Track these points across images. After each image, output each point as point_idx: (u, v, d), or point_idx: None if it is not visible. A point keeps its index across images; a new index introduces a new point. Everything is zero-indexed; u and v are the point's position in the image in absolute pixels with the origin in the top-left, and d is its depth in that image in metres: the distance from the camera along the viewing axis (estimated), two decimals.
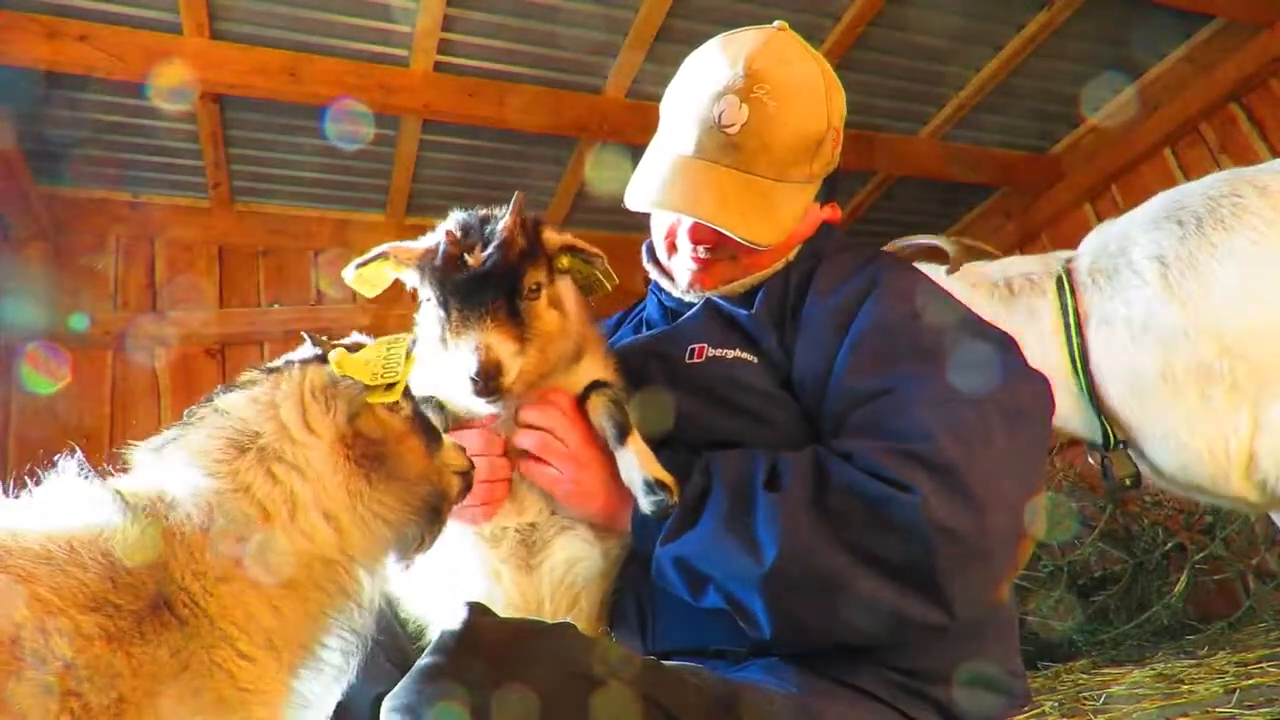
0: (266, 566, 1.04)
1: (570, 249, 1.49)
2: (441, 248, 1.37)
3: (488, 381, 1.28)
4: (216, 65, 3.42)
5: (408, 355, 1.21)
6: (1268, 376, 2.30)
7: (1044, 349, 2.63)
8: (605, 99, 4.06)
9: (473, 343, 1.29)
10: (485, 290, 1.32)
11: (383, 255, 1.45)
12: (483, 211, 1.45)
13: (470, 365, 1.27)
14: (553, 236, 1.48)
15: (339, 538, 1.12)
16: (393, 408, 1.23)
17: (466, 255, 1.33)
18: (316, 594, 1.10)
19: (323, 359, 1.21)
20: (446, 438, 1.32)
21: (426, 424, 1.29)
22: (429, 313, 1.42)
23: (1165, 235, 2.53)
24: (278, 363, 1.24)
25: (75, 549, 0.94)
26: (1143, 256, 2.54)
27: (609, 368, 1.53)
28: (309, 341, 1.26)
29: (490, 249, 1.33)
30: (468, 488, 1.32)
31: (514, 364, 1.31)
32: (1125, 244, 2.64)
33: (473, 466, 1.33)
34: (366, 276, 1.48)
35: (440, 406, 1.47)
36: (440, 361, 1.38)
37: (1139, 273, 2.54)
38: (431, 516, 1.26)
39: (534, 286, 1.38)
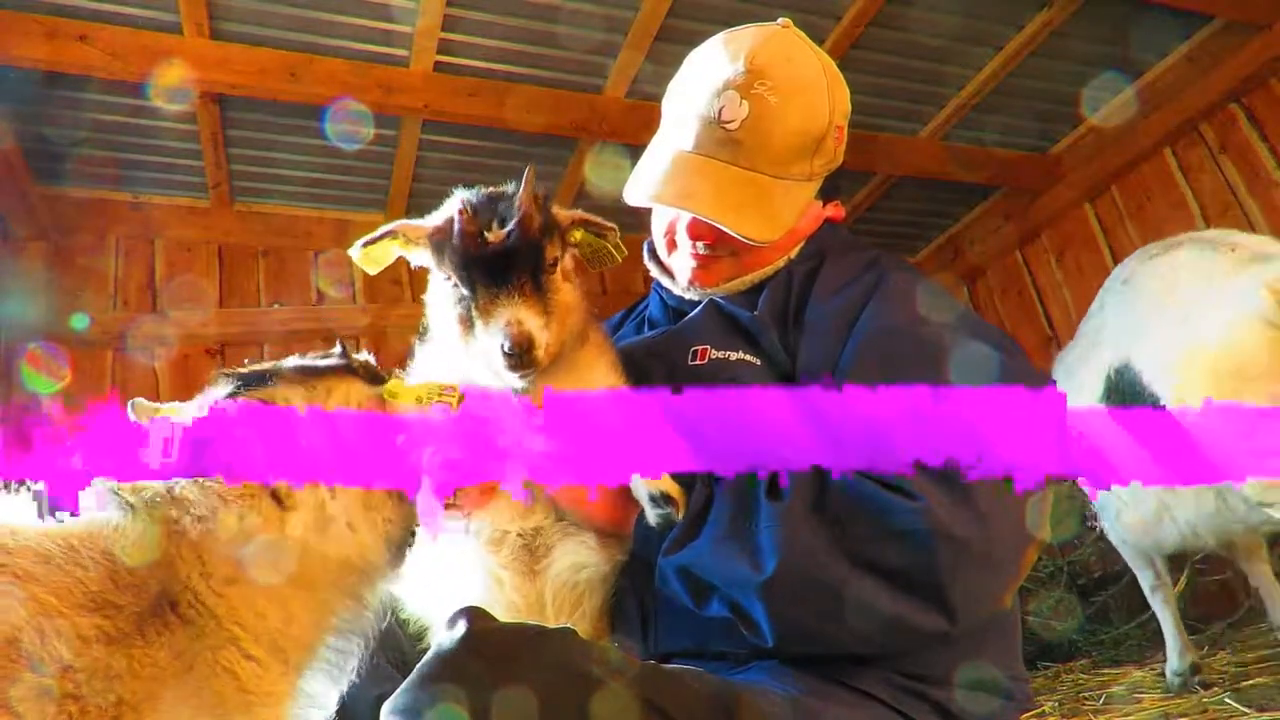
0: (278, 568, 1.04)
1: (583, 222, 1.51)
2: (457, 224, 1.35)
3: (522, 356, 1.28)
4: (216, 65, 3.40)
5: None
6: None
7: None
8: (605, 99, 4.05)
9: (504, 319, 1.29)
10: (510, 266, 1.32)
11: (391, 234, 1.44)
12: (489, 189, 1.45)
13: (504, 341, 1.27)
14: (562, 211, 1.49)
15: (356, 543, 1.14)
16: None
17: (486, 232, 1.32)
18: (329, 596, 1.11)
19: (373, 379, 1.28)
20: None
21: None
22: (444, 292, 1.42)
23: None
24: (313, 362, 1.27)
25: (75, 548, 0.94)
26: None
27: (615, 370, 1.53)
28: (340, 348, 1.31)
29: (511, 225, 1.32)
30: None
31: (542, 337, 1.31)
32: None
33: None
34: (372, 255, 1.47)
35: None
36: (455, 341, 1.38)
37: None
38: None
39: (552, 261, 1.39)
